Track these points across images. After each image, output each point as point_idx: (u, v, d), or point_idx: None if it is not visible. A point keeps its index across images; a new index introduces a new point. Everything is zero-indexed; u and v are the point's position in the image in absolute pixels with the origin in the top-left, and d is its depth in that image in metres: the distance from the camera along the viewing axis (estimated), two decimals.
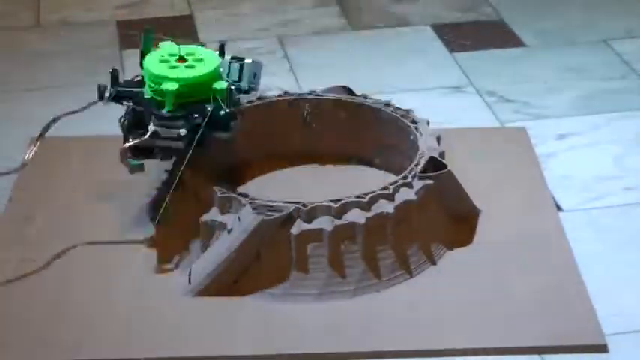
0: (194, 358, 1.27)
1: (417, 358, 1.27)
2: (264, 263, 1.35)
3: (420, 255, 1.40)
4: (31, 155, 1.39)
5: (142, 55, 1.40)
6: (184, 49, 1.40)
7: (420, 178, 1.39)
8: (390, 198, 1.36)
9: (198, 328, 1.30)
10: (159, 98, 1.35)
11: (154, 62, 1.38)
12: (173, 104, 1.33)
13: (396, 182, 1.38)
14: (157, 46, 1.42)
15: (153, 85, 1.36)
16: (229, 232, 1.34)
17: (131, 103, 1.37)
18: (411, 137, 1.48)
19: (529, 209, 1.52)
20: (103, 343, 1.28)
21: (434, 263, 1.41)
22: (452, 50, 2.04)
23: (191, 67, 1.37)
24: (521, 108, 1.83)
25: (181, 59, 1.38)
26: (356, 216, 1.34)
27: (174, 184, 1.36)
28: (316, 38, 2.10)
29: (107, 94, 1.38)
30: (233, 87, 1.38)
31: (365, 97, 1.57)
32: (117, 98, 1.38)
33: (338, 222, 1.34)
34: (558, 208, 1.54)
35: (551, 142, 1.72)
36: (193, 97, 1.35)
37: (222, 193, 1.36)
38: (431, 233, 1.42)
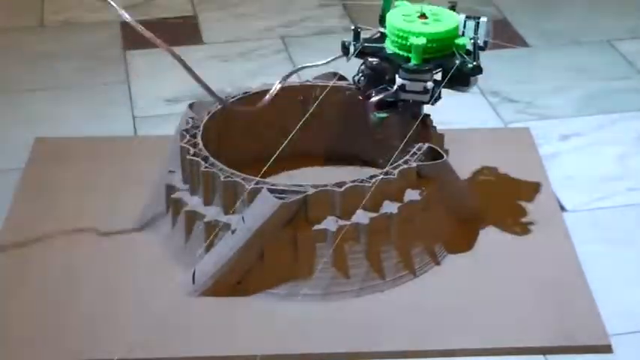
0: (197, 358, 1.27)
1: (420, 359, 1.27)
2: (267, 264, 1.35)
3: (423, 255, 1.40)
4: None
5: (383, 13, 1.45)
6: (425, 8, 1.43)
7: (418, 167, 1.38)
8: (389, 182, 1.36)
9: (201, 329, 1.30)
10: (403, 53, 1.39)
11: (398, 18, 1.41)
12: (420, 58, 1.37)
13: (387, 172, 1.37)
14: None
15: (399, 40, 1.39)
16: (233, 232, 1.34)
17: (370, 59, 1.41)
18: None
19: (533, 209, 1.52)
20: (105, 344, 1.28)
21: (438, 264, 1.41)
22: None
23: (435, 23, 1.40)
24: (525, 108, 1.83)
25: (422, 16, 1.41)
26: (360, 216, 1.34)
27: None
28: (320, 39, 2.10)
29: (352, 50, 1.42)
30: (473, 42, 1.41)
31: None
32: (361, 54, 1.42)
33: (342, 222, 1.34)
34: (562, 208, 1.54)
35: (554, 143, 1.72)
36: (437, 52, 1.39)
37: (226, 177, 1.36)
38: (435, 233, 1.42)
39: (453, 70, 1.37)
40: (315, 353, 1.27)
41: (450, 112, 1.78)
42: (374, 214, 1.35)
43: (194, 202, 1.40)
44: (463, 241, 1.45)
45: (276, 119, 1.56)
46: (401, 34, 1.39)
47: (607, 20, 2.16)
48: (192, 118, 1.48)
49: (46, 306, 1.34)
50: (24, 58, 2.05)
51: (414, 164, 1.38)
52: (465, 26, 1.42)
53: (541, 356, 1.27)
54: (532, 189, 1.57)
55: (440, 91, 1.39)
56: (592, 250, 1.44)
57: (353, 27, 1.43)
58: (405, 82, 1.38)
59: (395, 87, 1.38)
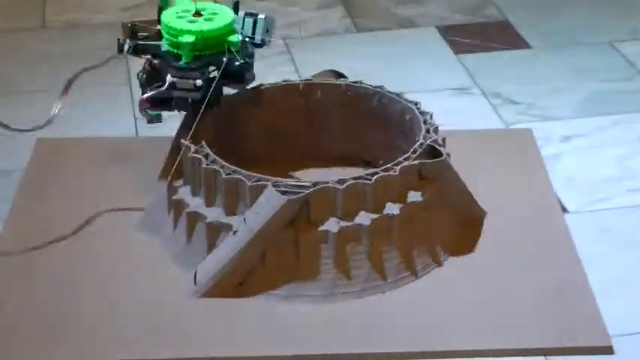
0: (199, 359, 1.27)
1: None
2: (269, 265, 1.35)
3: (425, 256, 1.40)
4: (56, 111, 1.48)
5: (160, 11, 1.46)
6: (200, 5, 1.44)
7: (419, 165, 1.38)
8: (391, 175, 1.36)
9: (203, 329, 1.30)
10: (176, 51, 1.41)
11: (171, 16, 1.43)
12: (190, 56, 1.39)
13: (388, 169, 1.37)
14: (172, 3, 1.48)
15: (170, 37, 1.41)
16: (234, 233, 1.34)
17: (149, 56, 1.43)
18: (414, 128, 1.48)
19: (535, 211, 1.52)
20: (107, 344, 1.28)
21: (439, 265, 1.41)
22: (457, 52, 2.04)
23: (206, 21, 1.42)
24: (527, 109, 1.83)
25: (197, 14, 1.43)
26: (361, 217, 1.34)
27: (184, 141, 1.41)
28: (321, 39, 2.10)
29: (126, 48, 1.44)
30: (247, 40, 1.43)
31: (360, 82, 1.57)
32: (135, 51, 1.44)
33: (343, 223, 1.34)
34: (564, 209, 1.54)
35: (556, 144, 1.72)
36: (209, 49, 1.40)
37: (228, 174, 1.36)
38: (436, 235, 1.42)
39: (222, 67, 1.39)
40: (316, 354, 1.27)
41: (452, 113, 1.78)
42: (375, 216, 1.35)
43: (196, 203, 1.40)
44: (465, 243, 1.45)
45: (276, 120, 1.56)
46: (172, 31, 1.41)
47: (608, 22, 2.16)
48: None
49: (47, 307, 1.34)
50: (26, 59, 2.05)
51: (415, 162, 1.38)
52: (243, 23, 1.45)
53: (542, 357, 1.27)
54: (534, 190, 1.57)
55: (220, 88, 1.41)
56: (594, 251, 1.44)
57: (129, 24, 1.46)
58: (174, 79, 1.40)
59: (165, 85, 1.40)
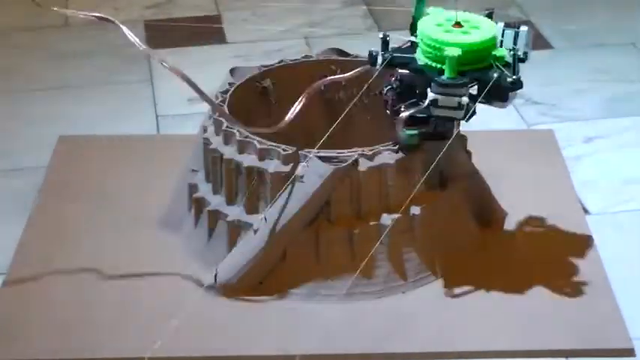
0: (219, 358, 1.28)
1: None
2: (289, 264, 1.36)
3: (446, 257, 1.40)
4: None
5: (414, 20, 1.35)
6: (460, 15, 1.33)
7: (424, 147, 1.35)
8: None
9: (223, 328, 1.31)
10: (436, 65, 1.29)
11: (430, 27, 1.31)
12: (454, 71, 1.27)
13: (388, 144, 1.35)
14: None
15: (431, 50, 1.30)
16: (255, 232, 1.34)
17: (401, 70, 1.32)
18: None
19: (556, 212, 1.51)
20: (128, 341, 1.28)
21: (460, 265, 1.41)
22: None
23: (468, 33, 1.31)
24: (549, 110, 1.82)
25: (457, 24, 1.32)
26: (382, 217, 1.34)
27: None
28: (343, 39, 2.10)
29: (380, 60, 1.32)
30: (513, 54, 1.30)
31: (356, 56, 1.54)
32: (390, 64, 1.33)
33: (364, 223, 1.34)
34: (585, 211, 1.53)
35: (578, 145, 1.71)
36: (473, 64, 1.29)
37: (262, 143, 1.34)
38: (458, 235, 1.42)
39: (490, 84, 1.27)
40: (335, 354, 1.27)
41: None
42: (396, 215, 1.35)
43: (217, 202, 1.40)
44: (486, 243, 1.44)
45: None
46: (434, 44, 1.29)
47: (631, 22, 2.15)
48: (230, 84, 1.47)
49: (69, 304, 1.35)
50: (49, 57, 2.06)
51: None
52: (503, 36, 1.32)
53: (563, 359, 1.27)
54: (555, 191, 1.57)
55: (475, 107, 1.29)
56: (615, 253, 1.43)
57: (381, 35, 1.33)
58: (437, 96, 1.27)
59: (426, 102, 1.28)
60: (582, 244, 1.45)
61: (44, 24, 2.21)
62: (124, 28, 1.33)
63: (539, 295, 1.35)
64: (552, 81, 1.92)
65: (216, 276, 1.36)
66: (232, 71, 1.51)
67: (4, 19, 2.24)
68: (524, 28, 1.31)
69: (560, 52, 2.05)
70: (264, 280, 1.36)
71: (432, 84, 1.28)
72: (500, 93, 1.28)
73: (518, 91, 1.30)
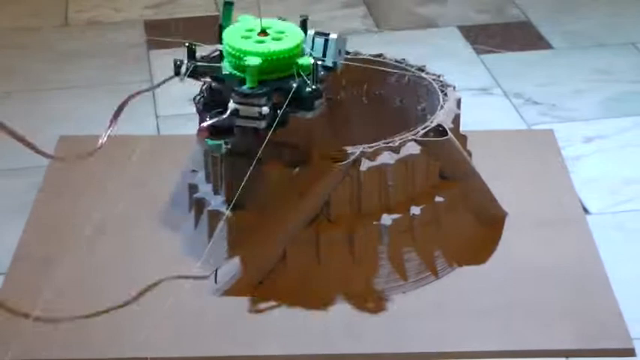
0: (219, 358, 1.28)
1: None
2: (289, 264, 1.36)
3: (446, 257, 1.40)
4: (105, 139, 1.37)
5: (221, 29, 1.34)
6: (265, 23, 1.33)
7: (416, 142, 1.36)
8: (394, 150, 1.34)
9: (223, 328, 1.31)
10: (239, 74, 1.28)
11: (234, 36, 1.31)
12: (255, 81, 1.26)
13: (390, 141, 1.35)
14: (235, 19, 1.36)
15: (233, 60, 1.29)
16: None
17: (208, 79, 1.31)
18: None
19: (556, 212, 1.51)
20: (128, 341, 1.28)
21: (460, 265, 1.41)
22: (479, 52, 2.03)
23: (274, 40, 1.30)
24: (549, 110, 1.82)
25: (263, 32, 1.31)
26: (383, 218, 1.34)
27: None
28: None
29: (184, 70, 1.31)
30: (319, 63, 1.29)
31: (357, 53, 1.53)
32: (194, 74, 1.31)
33: (364, 224, 1.34)
34: (585, 210, 1.53)
35: (578, 145, 1.71)
36: (276, 73, 1.28)
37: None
38: (457, 235, 1.42)
39: (290, 94, 1.26)
40: (335, 354, 1.27)
41: (473, 113, 1.78)
42: (396, 216, 1.35)
43: (217, 202, 1.40)
44: (486, 243, 1.44)
45: None
46: (236, 52, 1.28)
47: (631, 22, 2.15)
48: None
49: (68, 304, 1.35)
50: (49, 57, 2.06)
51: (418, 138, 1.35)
52: (313, 44, 1.31)
53: (563, 359, 1.27)
54: (555, 191, 1.57)
55: (286, 114, 1.27)
56: (616, 253, 1.44)
57: (187, 44, 1.31)
58: (238, 106, 1.26)
59: (228, 112, 1.26)
60: (582, 243, 1.45)
61: (44, 24, 2.21)
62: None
63: (539, 295, 1.35)
64: (552, 81, 1.92)
65: (216, 276, 1.36)
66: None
67: (4, 19, 2.24)
68: (333, 36, 1.31)
69: (560, 52, 2.05)
70: (264, 280, 1.36)
71: (232, 94, 1.26)
72: (304, 102, 1.27)
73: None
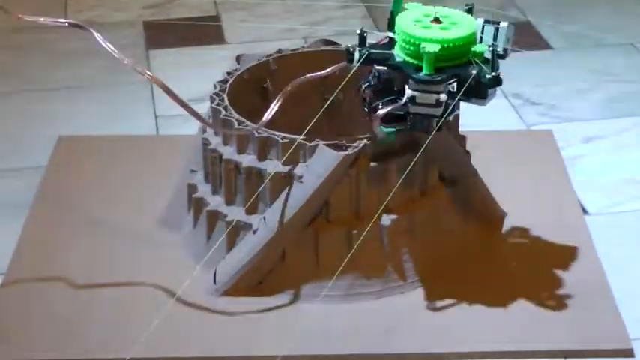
0: (219, 358, 1.28)
1: None
2: (289, 264, 1.36)
3: (445, 257, 1.40)
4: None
5: (392, 16, 1.33)
6: (439, 11, 1.31)
7: (416, 137, 1.34)
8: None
9: (222, 328, 1.31)
10: (414, 61, 1.27)
11: (408, 23, 1.30)
12: (432, 68, 1.25)
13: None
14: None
15: (409, 47, 1.28)
16: (255, 232, 1.34)
17: (382, 67, 1.29)
18: None
19: (555, 212, 1.51)
20: (127, 341, 1.28)
21: (459, 266, 1.41)
22: None
23: (447, 29, 1.29)
24: (548, 111, 1.82)
25: (436, 20, 1.30)
26: (382, 218, 1.34)
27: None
28: (342, 39, 2.10)
29: (357, 57, 1.29)
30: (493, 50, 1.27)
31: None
32: (367, 61, 1.30)
33: (363, 224, 1.34)
34: (584, 211, 1.53)
35: (577, 145, 1.71)
36: (452, 60, 1.27)
37: (260, 133, 1.32)
38: (456, 236, 1.42)
39: (469, 81, 1.25)
40: (334, 354, 1.27)
41: (472, 114, 1.78)
42: (395, 216, 1.35)
43: (216, 202, 1.40)
44: (484, 244, 1.44)
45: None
46: (411, 40, 1.27)
47: (630, 23, 2.15)
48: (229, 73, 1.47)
49: (68, 304, 1.35)
50: (48, 57, 2.06)
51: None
52: (482, 32, 1.30)
53: (562, 359, 1.27)
54: (554, 192, 1.57)
55: (456, 104, 1.28)
56: (614, 253, 1.44)
57: (358, 31, 1.30)
58: (415, 93, 1.25)
59: (404, 99, 1.26)
60: (581, 244, 1.45)
61: (44, 24, 2.21)
62: (98, 36, 1.32)
63: (538, 295, 1.35)
64: (551, 81, 1.93)
65: (215, 276, 1.36)
66: (238, 58, 1.50)
67: (4, 19, 2.24)
68: (504, 24, 1.30)
69: (560, 52, 2.05)
70: (263, 280, 1.36)
71: (410, 80, 1.25)
72: (479, 90, 1.26)
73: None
